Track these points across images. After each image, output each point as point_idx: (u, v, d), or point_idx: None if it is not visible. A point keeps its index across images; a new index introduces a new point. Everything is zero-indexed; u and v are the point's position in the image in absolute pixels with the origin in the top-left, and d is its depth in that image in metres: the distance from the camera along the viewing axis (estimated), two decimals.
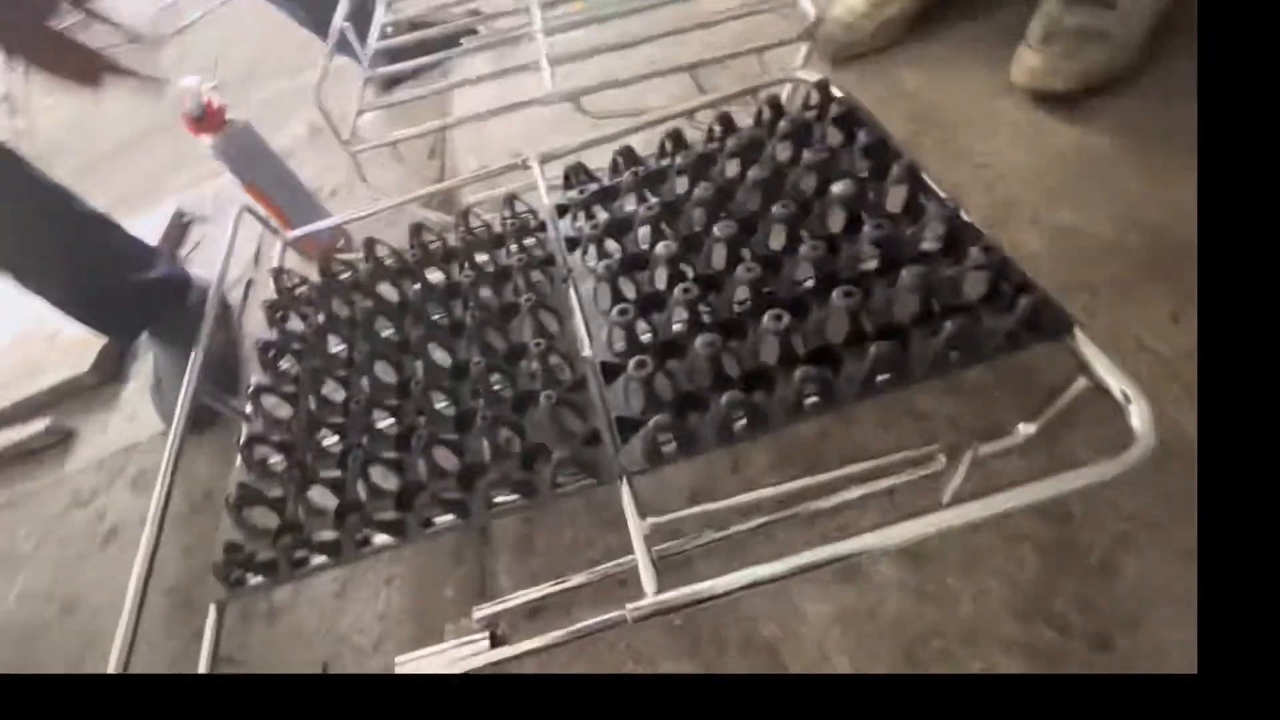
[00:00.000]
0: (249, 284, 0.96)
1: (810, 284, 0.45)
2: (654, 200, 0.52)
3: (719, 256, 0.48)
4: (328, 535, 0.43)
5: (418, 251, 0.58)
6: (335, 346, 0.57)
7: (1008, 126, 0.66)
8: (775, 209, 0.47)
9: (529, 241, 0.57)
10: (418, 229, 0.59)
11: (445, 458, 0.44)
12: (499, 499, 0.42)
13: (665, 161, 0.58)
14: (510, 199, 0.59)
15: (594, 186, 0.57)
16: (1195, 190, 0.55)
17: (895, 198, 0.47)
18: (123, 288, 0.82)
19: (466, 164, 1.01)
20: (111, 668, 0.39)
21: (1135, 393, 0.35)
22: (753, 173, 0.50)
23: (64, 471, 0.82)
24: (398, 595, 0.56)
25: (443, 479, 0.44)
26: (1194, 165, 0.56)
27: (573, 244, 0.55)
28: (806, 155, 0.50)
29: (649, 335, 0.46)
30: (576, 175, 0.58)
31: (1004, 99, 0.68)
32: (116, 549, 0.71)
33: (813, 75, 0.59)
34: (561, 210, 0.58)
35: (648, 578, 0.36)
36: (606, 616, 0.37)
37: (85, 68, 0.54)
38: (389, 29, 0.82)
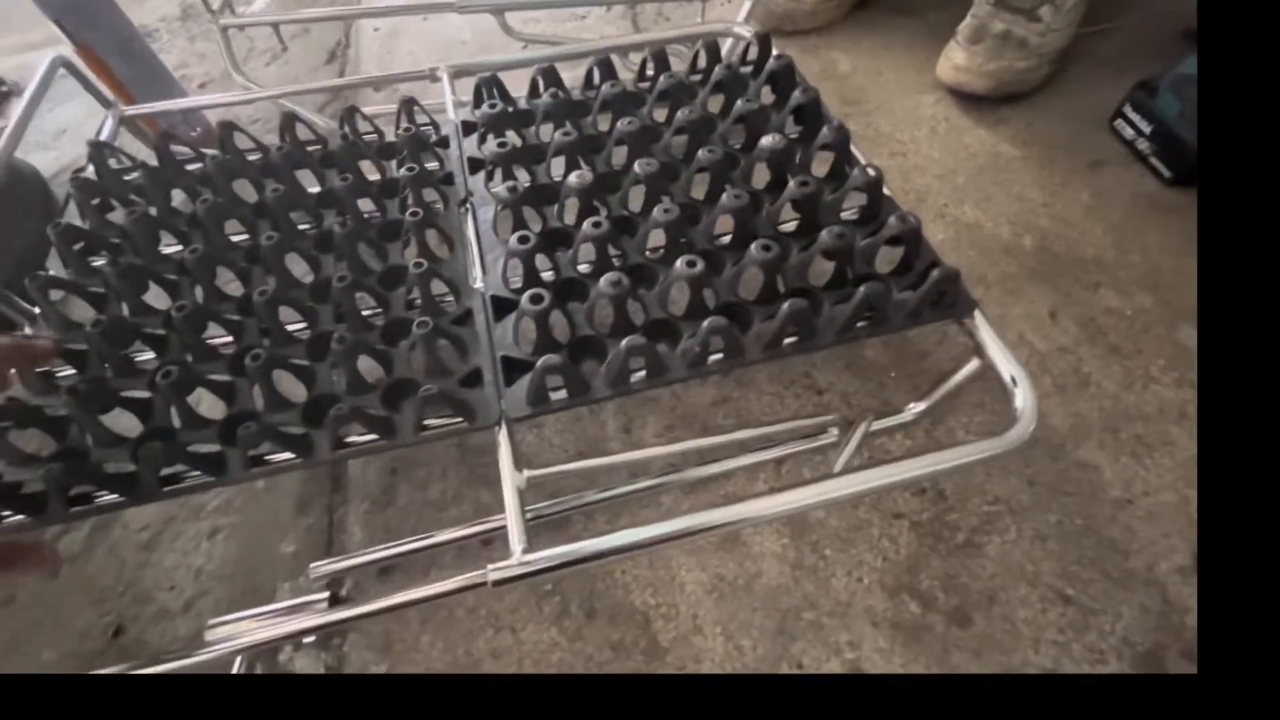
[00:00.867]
0: (76, 174, 0.79)
1: (728, 239, 0.43)
2: (572, 130, 0.47)
3: (636, 197, 0.44)
4: (123, 468, 0.35)
5: (288, 148, 0.49)
6: (167, 248, 0.47)
7: (927, 122, 0.68)
8: (701, 153, 0.43)
9: (426, 158, 0.49)
10: (290, 121, 0.50)
11: (290, 387, 0.37)
12: (350, 438, 0.36)
13: (590, 93, 0.53)
14: (409, 104, 0.51)
15: (508, 108, 0.51)
16: (1080, 202, 0.60)
17: (822, 161, 0.46)
18: None
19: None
20: None
21: (1022, 377, 0.35)
22: (681, 114, 0.47)
23: None
24: (223, 548, 0.47)
25: (283, 411, 0.37)
26: (1081, 180, 0.61)
27: (475, 166, 0.49)
28: (739, 105, 0.47)
29: (550, 274, 0.42)
30: (489, 89, 0.51)
31: (927, 94, 0.70)
32: None
33: (750, 30, 0.57)
34: (468, 128, 0.52)
35: (516, 535, 0.32)
36: (463, 577, 0.33)
37: None
38: None
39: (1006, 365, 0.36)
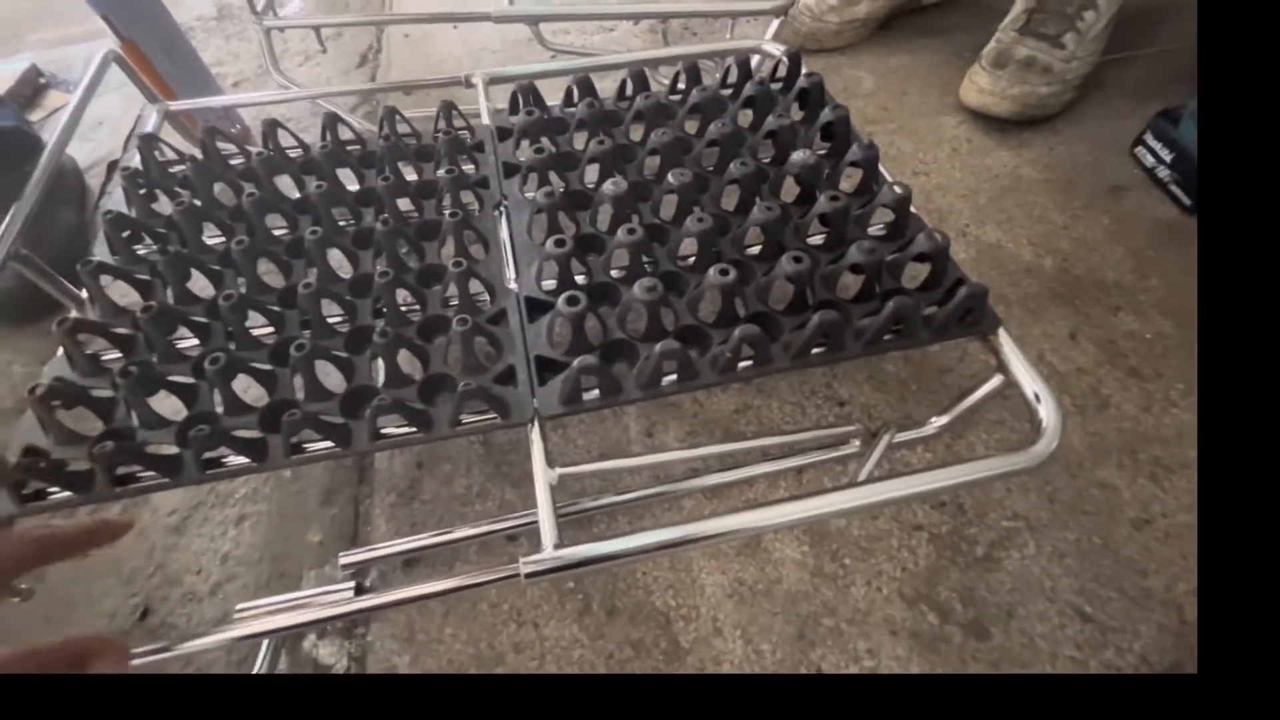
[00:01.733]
0: (112, 166, 0.81)
1: (756, 250, 0.44)
2: (606, 139, 0.49)
3: (669, 206, 0.45)
4: (167, 449, 0.36)
5: (330, 146, 0.50)
6: (211, 239, 0.48)
7: (949, 142, 0.69)
8: (733, 166, 0.44)
9: (461, 161, 0.51)
10: (333, 120, 0.51)
11: (330, 377, 0.38)
12: (386, 430, 0.37)
13: (624, 103, 0.54)
14: (449, 107, 0.53)
15: (544, 115, 0.52)
16: (1100, 226, 0.60)
17: (849, 178, 0.47)
18: None
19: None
20: None
21: (1046, 393, 0.36)
22: (713, 128, 0.48)
23: None
24: (250, 535, 0.48)
25: (323, 401, 0.38)
26: (1102, 204, 0.62)
27: (510, 171, 0.50)
28: (770, 120, 0.48)
29: (583, 277, 0.43)
30: (526, 97, 0.53)
31: (950, 116, 0.71)
32: None
33: (779, 48, 0.58)
34: (503, 134, 0.53)
35: (548, 530, 0.33)
36: (497, 570, 0.34)
37: None
38: None
39: (1030, 382, 0.37)
